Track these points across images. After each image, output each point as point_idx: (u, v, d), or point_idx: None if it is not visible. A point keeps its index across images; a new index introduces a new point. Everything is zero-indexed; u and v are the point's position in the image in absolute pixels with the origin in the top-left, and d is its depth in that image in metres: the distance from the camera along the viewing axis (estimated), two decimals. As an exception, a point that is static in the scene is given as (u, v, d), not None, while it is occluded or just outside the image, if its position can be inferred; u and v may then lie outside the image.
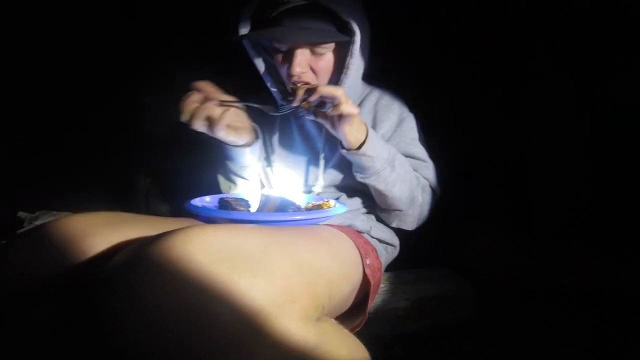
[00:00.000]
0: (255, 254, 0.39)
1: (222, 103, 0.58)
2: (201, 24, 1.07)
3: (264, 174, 0.80)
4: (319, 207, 0.63)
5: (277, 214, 0.57)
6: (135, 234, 0.49)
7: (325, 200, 0.66)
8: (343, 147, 0.65)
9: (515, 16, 1.05)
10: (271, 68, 0.73)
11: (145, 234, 0.47)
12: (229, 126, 0.62)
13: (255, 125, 0.73)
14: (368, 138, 0.63)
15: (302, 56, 0.64)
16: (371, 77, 0.78)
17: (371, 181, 0.67)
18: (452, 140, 1.07)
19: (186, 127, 0.58)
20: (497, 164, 1.17)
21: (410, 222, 0.75)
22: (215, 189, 0.79)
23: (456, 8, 1.08)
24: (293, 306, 0.38)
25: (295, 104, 0.60)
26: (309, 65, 0.66)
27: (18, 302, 0.43)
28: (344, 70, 0.66)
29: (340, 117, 0.60)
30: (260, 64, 0.72)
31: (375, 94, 0.77)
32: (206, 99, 0.57)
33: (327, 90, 0.58)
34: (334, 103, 0.58)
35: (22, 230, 0.89)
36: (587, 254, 1.01)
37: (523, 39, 1.08)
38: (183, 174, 1.13)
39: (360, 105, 0.76)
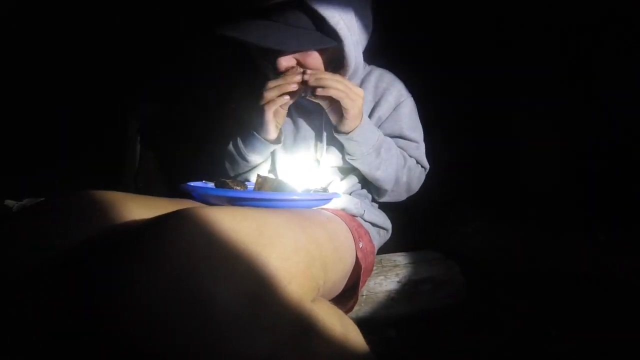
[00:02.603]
0: (250, 236, 0.39)
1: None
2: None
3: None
4: (316, 192, 0.63)
5: (273, 193, 0.56)
6: (131, 214, 0.48)
7: (323, 187, 0.67)
8: (336, 130, 0.68)
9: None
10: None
11: (140, 215, 0.47)
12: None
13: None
14: (361, 124, 0.66)
15: (287, 56, 0.64)
16: (371, 54, 0.77)
17: (357, 163, 0.71)
18: (454, 136, 1.11)
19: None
20: (491, 157, 1.21)
21: (395, 197, 0.80)
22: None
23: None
24: (289, 287, 0.38)
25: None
26: (296, 59, 0.65)
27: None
28: (342, 71, 0.68)
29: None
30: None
31: (375, 74, 0.77)
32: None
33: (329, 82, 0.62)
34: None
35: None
36: (573, 239, 1.05)
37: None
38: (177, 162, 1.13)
39: (360, 85, 0.76)
